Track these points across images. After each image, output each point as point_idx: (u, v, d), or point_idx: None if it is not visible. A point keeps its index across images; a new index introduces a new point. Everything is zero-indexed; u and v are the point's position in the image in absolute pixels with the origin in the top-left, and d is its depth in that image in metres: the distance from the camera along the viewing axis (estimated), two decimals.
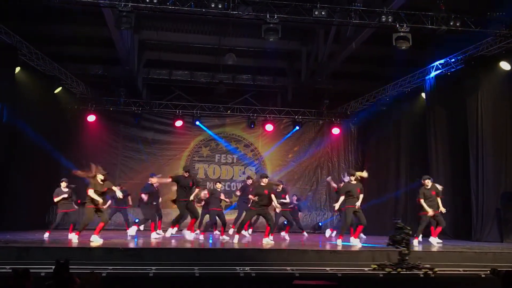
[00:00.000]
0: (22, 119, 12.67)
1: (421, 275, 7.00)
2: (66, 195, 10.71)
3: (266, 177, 10.11)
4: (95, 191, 9.17)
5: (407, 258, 7.10)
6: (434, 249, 9.19)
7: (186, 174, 10.65)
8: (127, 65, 14.28)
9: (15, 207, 12.44)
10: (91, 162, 15.22)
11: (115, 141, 16.54)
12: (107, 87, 16.25)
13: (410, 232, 7.36)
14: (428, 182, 10.29)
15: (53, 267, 4.14)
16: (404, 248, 7.12)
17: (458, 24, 10.28)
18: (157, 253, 7.85)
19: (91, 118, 15.84)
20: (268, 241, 9.65)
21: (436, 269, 7.11)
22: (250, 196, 9.96)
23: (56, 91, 14.46)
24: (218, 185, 12.46)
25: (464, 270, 7.42)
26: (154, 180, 11.49)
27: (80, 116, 15.92)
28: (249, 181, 12.63)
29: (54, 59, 13.52)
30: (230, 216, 13.83)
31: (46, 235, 10.18)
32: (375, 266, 7.20)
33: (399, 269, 7.02)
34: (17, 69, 12.17)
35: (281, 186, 12.17)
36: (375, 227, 15.35)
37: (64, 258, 4.24)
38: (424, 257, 7.82)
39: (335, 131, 17.28)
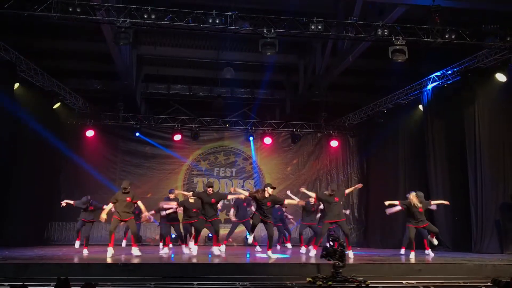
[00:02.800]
0: (22, 135, 12.71)
1: None
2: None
3: (271, 187, 9.48)
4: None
5: (340, 271, 6.78)
6: (427, 261, 9.16)
7: (210, 190, 10.09)
8: (126, 80, 14.35)
9: (13, 223, 12.40)
10: (90, 176, 15.46)
11: (113, 155, 16.55)
12: (106, 102, 16.31)
13: (344, 244, 7.09)
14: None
15: (53, 283, 4.14)
16: (337, 261, 6.80)
17: (453, 37, 10.38)
18: (156, 268, 7.82)
19: (90, 133, 15.84)
20: (270, 255, 9.27)
21: (369, 282, 6.79)
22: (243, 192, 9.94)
23: (54, 107, 14.50)
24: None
25: (464, 282, 7.40)
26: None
27: (79, 131, 15.93)
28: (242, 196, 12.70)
29: (53, 74, 13.59)
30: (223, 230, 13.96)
31: (85, 252, 10.26)
32: (310, 279, 6.93)
33: (329, 282, 6.70)
34: (16, 85, 12.22)
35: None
36: (375, 240, 15.38)
37: (64, 275, 4.25)
38: (424, 269, 7.81)
39: (334, 143, 17.32)
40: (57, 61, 14.55)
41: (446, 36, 10.34)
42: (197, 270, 7.67)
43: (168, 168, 16.79)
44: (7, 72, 11.75)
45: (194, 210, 10.26)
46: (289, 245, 13.21)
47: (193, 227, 10.51)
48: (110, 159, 16.47)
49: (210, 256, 9.76)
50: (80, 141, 15.97)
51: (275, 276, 7.42)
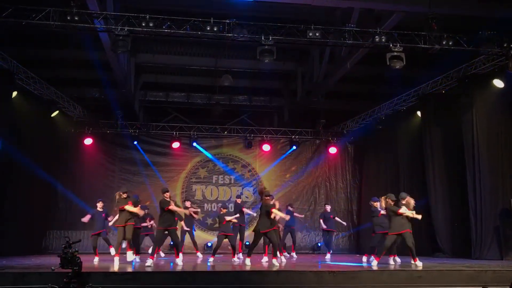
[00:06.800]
0: (19, 144, 12.67)
1: None
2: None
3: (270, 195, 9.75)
4: None
5: (74, 280, 5.88)
6: (427, 268, 9.10)
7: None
8: (124, 88, 14.35)
9: (11, 232, 12.34)
10: (88, 185, 15.42)
11: (112, 164, 16.53)
12: (104, 110, 16.30)
13: (78, 250, 6.18)
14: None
15: None
16: (71, 270, 5.96)
17: (450, 43, 10.41)
18: (154, 276, 7.77)
19: (88, 141, 15.82)
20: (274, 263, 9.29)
21: None
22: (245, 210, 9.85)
23: (53, 115, 14.49)
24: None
25: None
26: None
27: (77, 139, 15.92)
28: (239, 200, 12.86)
29: (51, 83, 13.58)
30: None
31: (96, 259, 10.37)
32: None
33: None
34: (14, 93, 12.21)
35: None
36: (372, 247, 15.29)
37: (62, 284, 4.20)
38: (424, 276, 7.77)
39: (332, 150, 17.32)
40: (55, 69, 14.53)
41: (444, 43, 10.36)
42: (195, 278, 7.63)
43: (166, 175, 16.75)
44: (5, 80, 11.73)
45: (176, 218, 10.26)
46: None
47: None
48: (108, 167, 16.44)
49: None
50: (78, 149, 15.95)
51: (274, 284, 7.38)
